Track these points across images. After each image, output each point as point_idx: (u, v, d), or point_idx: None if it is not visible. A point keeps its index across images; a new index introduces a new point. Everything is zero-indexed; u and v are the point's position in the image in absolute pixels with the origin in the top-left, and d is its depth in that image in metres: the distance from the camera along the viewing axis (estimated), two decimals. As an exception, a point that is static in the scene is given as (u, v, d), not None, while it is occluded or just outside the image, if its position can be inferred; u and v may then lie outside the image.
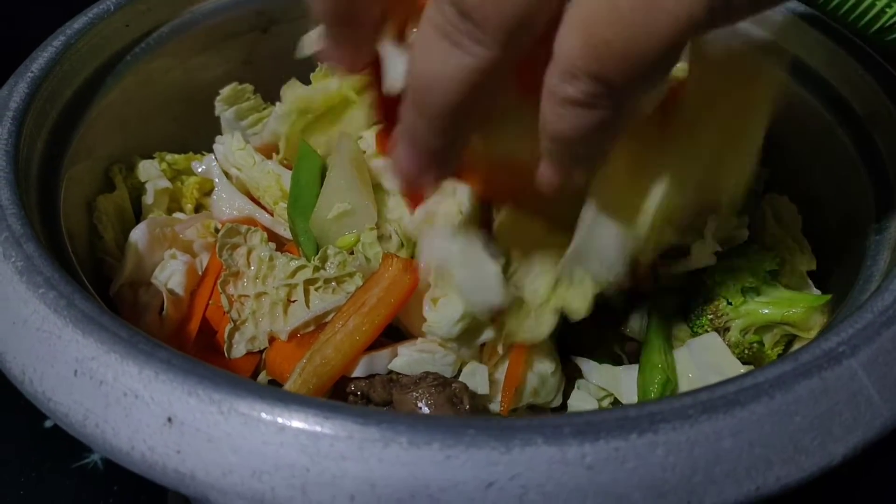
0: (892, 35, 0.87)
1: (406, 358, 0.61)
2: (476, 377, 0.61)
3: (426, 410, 0.58)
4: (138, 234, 0.68)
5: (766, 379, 0.44)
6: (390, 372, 0.61)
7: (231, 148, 0.74)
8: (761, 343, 0.66)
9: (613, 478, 0.40)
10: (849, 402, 0.44)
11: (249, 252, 0.63)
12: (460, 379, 0.62)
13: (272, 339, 0.62)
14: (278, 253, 0.64)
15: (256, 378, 0.64)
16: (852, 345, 0.46)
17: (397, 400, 0.58)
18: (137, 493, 0.86)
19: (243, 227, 0.64)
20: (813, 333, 0.65)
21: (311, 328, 0.62)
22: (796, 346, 0.67)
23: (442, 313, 0.58)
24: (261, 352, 0.63)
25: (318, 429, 0.40)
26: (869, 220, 0.63)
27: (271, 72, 0.85)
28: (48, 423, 0.91)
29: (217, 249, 0.62)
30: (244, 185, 0.75)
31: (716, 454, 0.41)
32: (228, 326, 0.61)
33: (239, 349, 0.60)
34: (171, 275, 0.67)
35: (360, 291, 0.60)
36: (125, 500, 0.85)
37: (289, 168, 0.72)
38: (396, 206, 0.66)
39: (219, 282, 0.62)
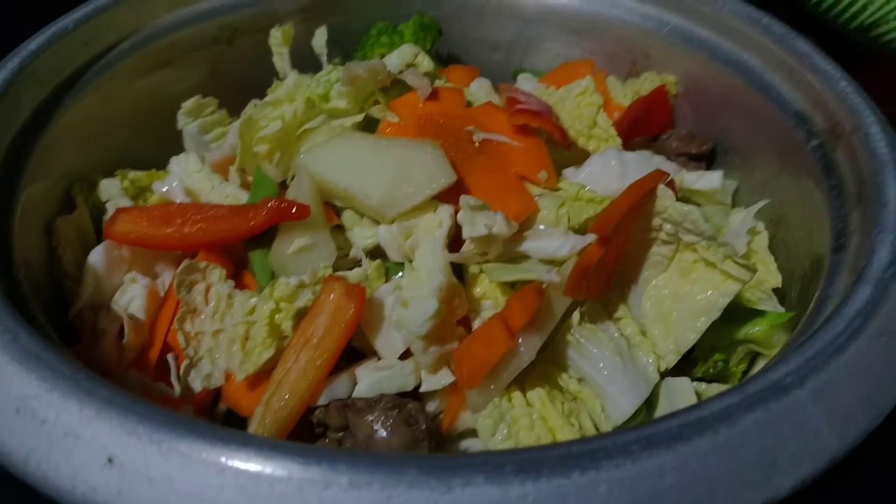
0: (873, 31, 0.87)
1: (367, 381, 0.61)
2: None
3: (383, 434, 0.58)
4: (96, 257, 0.67)
5: (710, 412, 0.44)
6: (347, 395, 0.61)
7: (188, 170, 0.73)
8: (726, 361, 0.66)
9: (555, 517, 0.40)
10: (796, 433, 0.44)
11: (208, 289, 0.63)
12: (422, 388, 0.62)
13: (229, 375, 0.61)
14: (237, 290, 0.63)
15: (215, 408, 0.64)
16: (801, 375, 0.46)
17: (353, 424, 0.58)
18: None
19: (202, 264, 0.63)
20: (775, 351, 0.65)
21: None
22: (759, 364, 0.67)
23: (413, 310, 0.58)
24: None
25: (258, 469, 0.40)
26: (828, 238, 0.63)
27: (237, 85, 0.85)
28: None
29: (175, 287, 0.61)
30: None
31: (658, 490, 0.41)
32: (184, 363, 0.60)
33: (195, 386, 0.60)
34: (131, 299, 0.66)
35: (306, 322, 0.60)
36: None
37: (247, 189, 0.71)
38: (363, 228, 0.66)
39: (176, 318, 0.61)
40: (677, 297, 0.64)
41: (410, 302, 0.59)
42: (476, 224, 0.60)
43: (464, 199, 0.61)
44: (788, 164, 0.73)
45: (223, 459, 0.40)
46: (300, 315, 0.61)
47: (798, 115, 0.73)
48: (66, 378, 0.44)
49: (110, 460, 0.41)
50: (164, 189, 0.74)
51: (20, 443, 0.43)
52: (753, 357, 0.68)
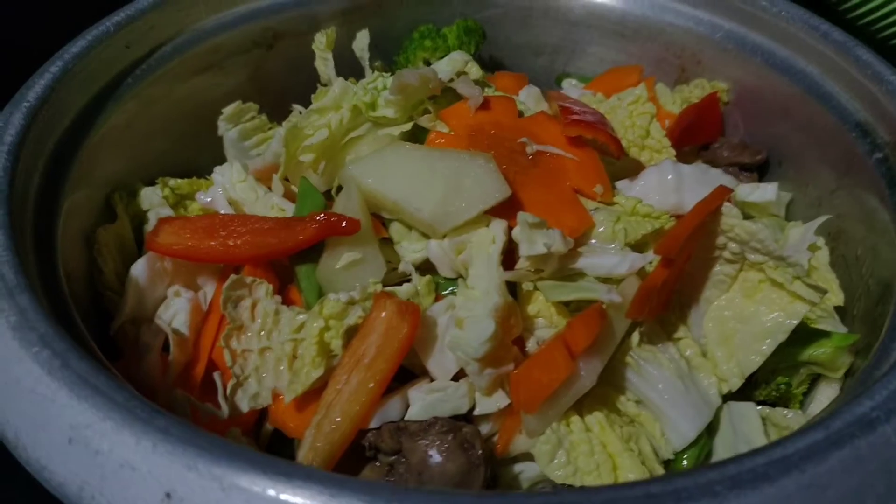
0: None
1: (420, 403, 0.59)
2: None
3: (437, 459, 0.56)
4: (139, 270, 0.65)
5: (796, 450, 0.41)
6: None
7: (231, 180, 0.71)
8: (788, 384, 0.64)
9: (635, 566, 0.38)
10: (883, 471, 0.42)
11: (254, 305, 0.60)
12: (477, 411, 0.60)
13: (276, 395, 0.60)
14: (284, 307, 0.61)
15: (261, 427, 0.62)
16: (887, 409, 0.44)
17: (407, 449, 0.56)
18: None
19: (248, 279, 0.61)
20: (840, 374, 0.63)
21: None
22: (821, 386, 0.65)
23: (470, 331, 0.56)
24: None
25: (324, 508, 0.38)
26: (897, 255, 0.61)
27: (277, 90, 0.84)
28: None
29: (221, 303, 0.59)
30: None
31: (745, 534, 0.39)
32: (231, 382, 0.58)
33: (242, 406, 0.58)
34: (175, 314, 0.64)
35: (357, 341, 0.58)
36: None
37: (291, 198, 0.70)
38: (412, 242, 0.64)
39: (222, 335, 0.59)
40: (741, 318, 0.62)
41: (466, 322, 0.57)
42: (534, 242, 0.58)
43: (521, 216, 0.59)
44: (848, 178, 0.71)
45: (287, 496, 0.39)
46: (350, 333, 0.59)
47: (859, 126, 0.70)
48: (119, 406, 0.42)
49: (168, 496, 0.40)
50: (209, 199, 0.72)
51: (73, 474, 0.41)
52: (814, 379, 0.66)
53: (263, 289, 0.60)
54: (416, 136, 0.70)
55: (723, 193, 0.61)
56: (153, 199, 0.72)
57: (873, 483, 0.42)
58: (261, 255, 0.63)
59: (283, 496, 0.39)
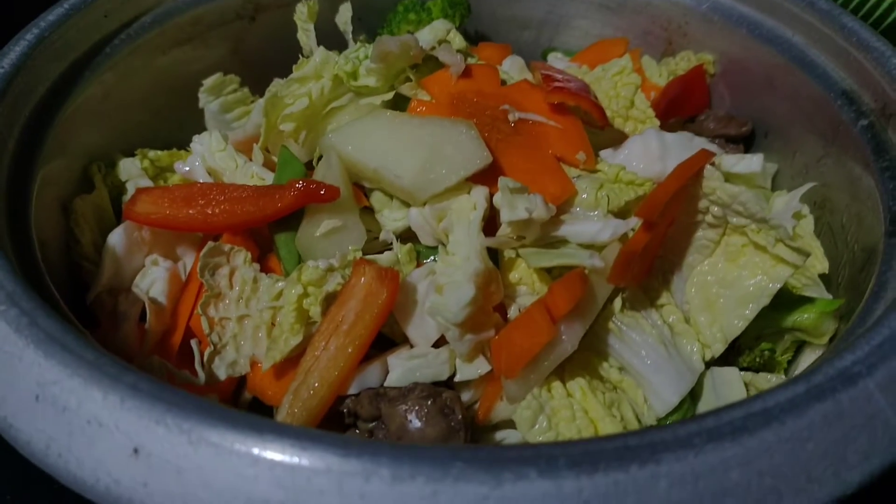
0: None
1: (400, 369, 0.58)
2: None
3: (417, 424, 0.55)
4: (116, 239, 0.65)
5: (776, 403, 0.41)
6: (379, 384, 0.58)
7: (210, 149, 0.70)
8: (773, 350, 0.63)
9: (612, 514, 0.37)
10: (865, 426, 0.41)
11: (232, 272, 0.60)
12: (457, 377, 0.59)
13: (254, 363, 0.59)
14: (263, 274, 0.60)
15: (239, 396, 0.61)
16: (868, 364, 0.43)
17: (386, 414, 0.55)
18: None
19: (226, 246, 0.60)
20: (825, 339, 0.62)
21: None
22: (806, 352, 0.64)
23: (450, 297, 0.55)
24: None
25: (296, 461, 0.37)
26: (881, 221, 0.60)
27: (259, 63, 0.83)
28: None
29: (198, 270, 0.59)
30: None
31: (722, 487, 0.38)
32: (208, 350, 0.57)
33: (219, 374, 0.57)
34: (152, 282, 0.64)
35: (335, 307, 0.57)
36: None
37: (271, 168, 0.69)
38: (393, 210, 0.63)
39: (199, 303, 0.58)
40: (724, 282, 0.61)
41: (446, 288, 0.56)
42: (516, 207, 0.58)
43: (503, 182, 0.58)
44: (834, 146, 0.70)
45: (257, 450, 0.38)
46: (329, 300, 0.58)
47: (845, 94, 0.70)
48: (88, 363, 0.41)
49: (136, 451, 0.39)
50: (186, 169, 0.71)
51: (40, 431, 0.41)
52: (799, 346, 0.65)
53: (242, 256, 0.60)
54: (398, 104, 0.69)
55: (704, 157, 0.60)
56: (132, 170, 0.71)
57: (855, 437, 0.41)
58: (239, 223, 0.62)
59: (254, 450, 0.38)
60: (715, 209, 0.60)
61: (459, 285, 0.56)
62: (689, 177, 0.59)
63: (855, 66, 0.69)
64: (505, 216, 0.58)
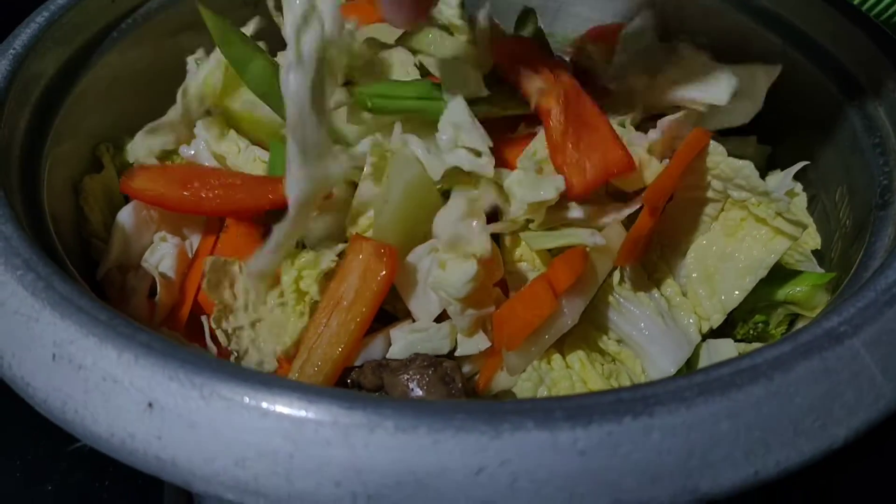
0: None
1: (402, 342, 0.60)
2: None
3: (418, 392, 0.57)
4: (125, 216, 0.66)
5: (763, 360, 0.42)
6: (381, 356, 0.60)
7: (213, 134, 0.72)
8: (766, 323, 0.65)
9: (606, 464, 0.39)
10: (851, 382, 0.43)
11: (232, 284, 0.62)
12: (458, 352, 0.60)
13: (280, 358, 0.61)
14: None
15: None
16: (854, 324, 0.45)
17: (388, 384, 0.57)
18: (133, 476, 0.85)
19: (221, 260, 0.62)
20: (816, 312, 0.64)
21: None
22: (799, 325, 0.66)
23: (452, 272, 0.57)
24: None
25: (303, 414, 0.39)
26: (872, 195, 0.61)
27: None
28: (42, 407, 0.90)
29: (205, 288, 0.61)
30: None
31: (713, 438, 0.40)
32: (232, 357, 0.59)
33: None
34: (161, 258, 0.65)
35: (335, 283, 0.58)
36: (120, 482, 0.84)
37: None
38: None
39: (212, 318, 0.60)
40: (723, 256, 0.63)
41: (449, 263, 0.58)
42: (541, 188, 0.59)
43: (526, 162, 0.59)
44: (827, 125, 0.72)
45: (266, 404, 0.39)
46: (328, 277, 0.60)
47: (838, 74, 0.71)
48: (103, 324, 0.43)
49: (150, 405, 0.40)
50: (192, 152, 0.73)
51: (56, 389, 0.42)
52: (792, 319, 0.67)
53: (236, 267, 0.61)
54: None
55: (702, 136, 0.61)
56: (139, 152, 0.73)
57: (841, 392, 0.43)
58: (230, 210, 0.65)
59: (263, 404, 0.39)
60: (716, 183, 0.62)
61: (463, 261, 0.57)
62: (690, 159, 0.60)
63: (849, 46, 0.71)
64: (527, 197, 0.59)
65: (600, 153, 0.60)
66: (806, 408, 0.42)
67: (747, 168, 0.60)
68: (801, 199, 0.72)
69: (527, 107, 0.63)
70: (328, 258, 0.60)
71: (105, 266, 0.65)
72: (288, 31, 0.55)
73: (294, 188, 0.55)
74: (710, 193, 0.63)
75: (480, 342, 0.60)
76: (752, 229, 0.62)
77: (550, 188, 0.59)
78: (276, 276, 0.61)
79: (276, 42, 0.79)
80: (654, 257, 0.64)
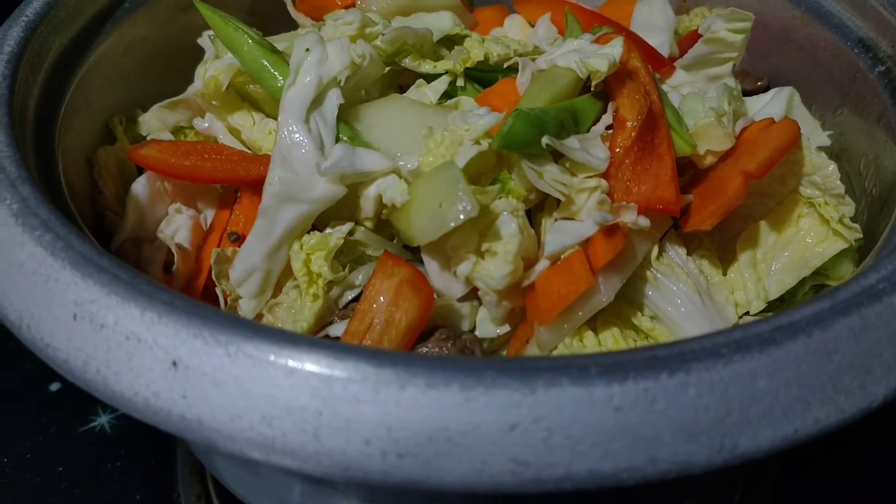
0: None
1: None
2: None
3: (439, 363, 0.55)
4: (139, 188, 0.65)
5: (802, 317, 0.41)
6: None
7: (227, 107, 0.70)
8: (793, 294, 0.64)
9: (642, 419, 0.38)
10: (890, 340, 0.42)
11: None
12: (477, 333, 0.59)
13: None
14: None
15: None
16: (893, 281, 0.44)
17: (409, 355, 0.56)
18: (145, 457, 0.84)
19: (229, 250, 0.61)
20: (843, 282, 0.63)
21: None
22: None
23: (493, 263, 0.55)
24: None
25: (331, 371, 0.38)
26: (901, 160, 0.61)
27: (277, 25, 0.83)
28: (54, 387, 0.90)
29: (215, 279, 0.60)
30: (246, 143, 0.72)
31: (751, 395, 0.39)
32: None
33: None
34: (177, 229, 0.64)
35: (363, 306, 0.55)
36: (132, 462, 0.84)
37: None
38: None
39: (226, 309, 0.60)
40: (774, 246, 0.62)
41: (489, 254, 0.56)
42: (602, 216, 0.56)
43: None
44: (851, 95, 0.71)
45: (293, 362, 0.39)
46: (337, 255, 0.59)
47: (861, 42, 0.70)
48: (124, 282, 0.42)
49: (174, 364, 0.40)
50: (206, 125, 0.72)
51: (78, 349, 0.41)
52: (819, 289, 0.66)
53: None
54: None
55: (791, 127, 0.61)
56: (153, 124, 0.72)
57: (881, 351, 0.42)
58: (222, 178, 0.64)
59: (290, 361, 0.39)
60: (790, 176, 0.61)
61: (504, 255, 0.55)
62: (796, 139, 0.60)
63: (871, 14, 0.70)
64: (596, 217, 0.56)
65: (652, 185, 0.58)
66: (845, 365, 0.41)
67: (829, 168, 0.60)
68: (834, 168, 0.71)
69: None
70: (336, 237, 0.59)
71: (120, 237, 0.64)
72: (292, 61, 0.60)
73: (267, 188, 0.56)
74: (777, 184, 0.62)
75: (500, 327, 0.59)
76: (811, 228, 0.62)
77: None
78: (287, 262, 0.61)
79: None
80: (700, 234, 0.63)
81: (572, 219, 0.58)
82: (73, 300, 0.42)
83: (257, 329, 0.40)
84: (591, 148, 0.57)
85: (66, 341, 0.42)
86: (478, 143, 0.56)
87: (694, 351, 0.39)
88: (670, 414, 0.38)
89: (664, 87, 0.70)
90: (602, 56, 0.59)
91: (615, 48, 0.60)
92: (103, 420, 0.87)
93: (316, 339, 0.40)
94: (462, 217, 0.51)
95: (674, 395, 0.38)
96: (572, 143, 0.56)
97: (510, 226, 0.55)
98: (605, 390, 0.38)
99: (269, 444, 0.38)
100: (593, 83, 0.60)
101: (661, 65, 0.72)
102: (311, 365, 0.38)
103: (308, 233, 0.59)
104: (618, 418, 0.38)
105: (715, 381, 0.39)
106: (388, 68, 0.68)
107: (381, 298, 0.55)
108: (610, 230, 0.56)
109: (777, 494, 0.79)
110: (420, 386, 0.38)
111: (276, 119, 0.69)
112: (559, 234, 0.56)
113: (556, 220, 0.58)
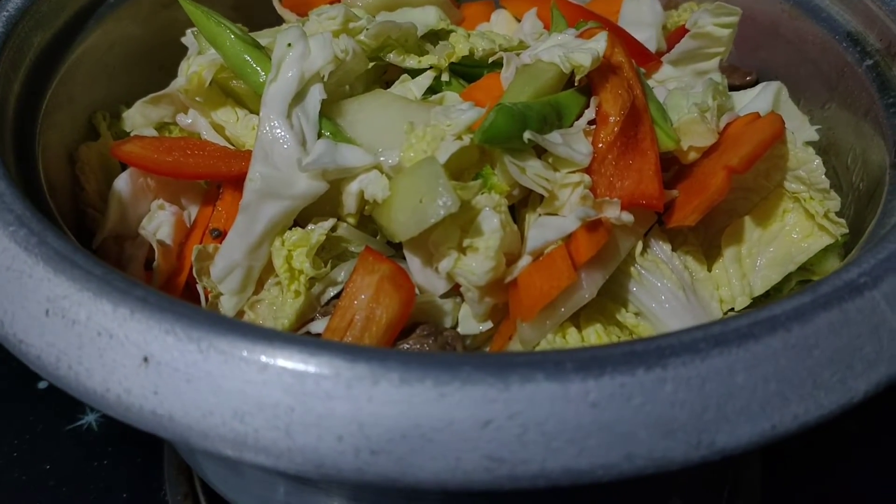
0: None
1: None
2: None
3: (421, 361, 0.55)
4: (122, 184, 0.65)
5: (782, 311, 0.41)
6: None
7: (210, 103, 0.70)
8: (779, 290, 0.63)
9: (618, 416, 0.37)
10: (871, 335, 0.42)
11: None
12: (460, 330, 0.59)
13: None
14: None
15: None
16: (874, 276, 0.43)
17: (390, 351, 0.55)
18: (132, 455, 0.84)
19: (211, 247, 0.61)
20: (828, 276, 0.62)
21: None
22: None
23: (475, 259, 0.55)
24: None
25: (303, 367, 0.38)
26: (886, 154, 0.60)
27: (262, 19, 0.82)
28: (41, 385, 0.90)
29: (196, 276, 0.60)
30: (230, 139, 0.71)
31: (728, 390, 0.38)
32: None
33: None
34: (159, 225, 0.64)
35: (344, 303, 0.55)
36: (119, 461, 0.84)
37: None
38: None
39: (207, 306, 0.59)
40: (759, 242, 0.62)
41: (470, 250, 0.56)
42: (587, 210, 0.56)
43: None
44: (839, 89, 0.70)
45: (265, 358, 0.38)
46: (319, 251, 0.59)
47: (850, 36, 0.70)
48: (97, 278, 0.42)
49: (146, 360, 0.39)
50: (189, 121, 0.71)
51: (50, 345, 0.41)
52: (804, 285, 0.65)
53: None
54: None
55: (775, 121, 0.61)
56: (136, 120, 0.71)
57: (861, 346, 0.41)
58: (206, 174, 0.64)
59: (262, 357, 0.38)
60: (774, 171, 0.61)
61: (486, 251, 0.55)
62: (780, 134, 0.59)
63: (860, 8, 0.69)
64: (579, 213, 0.56)
65: (635, 181, 0.57)
66: (825, 360, 0.40)
67: (817, 161, 0.59)
68: (819, 163, 0.71)
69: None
70: (318, 233, 0.58)
71: (102, 234, 0.64)
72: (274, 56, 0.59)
73: (248, 184, 0.56)
74: (762, 178, 0.62)
75: (483, 323, 0.59)
76: (796, 223, 0.61)
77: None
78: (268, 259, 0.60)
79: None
80: (685, 229, 0.62)
81: (555, 214, 0.57)
82: (46, 296, 0.42)
83: (230, 325, 0.39)
84: (574, 143, 0.56)
85: (38, 337, 0.41)
86: (460, 138, 0.56)
87: (672, 346, 0.39)
88: (647, 410, 0.38)
89: (650, 83, 0.70)
90: (585, 51, 0.59)
91: (599, 43, 0.59)
92: (90, 419, 0.86)
93: (289, 334, 0.40)
94: (442, 212, 0.51)
95: (650, 391, 0.38)
96: (555, 137, 0.56)
97: (492, 221, 0.54)
98: (581, 386, 0.37)
99: (242, 440, 0.38)
100: (577, 78, 0.60)
101: (647, 59, 0.72)
102: (283, 360, 0.38)
103: (290, 229, 0.59)
104: (594, 414, 0.37)
105: (692, 376, 0.38)
106: (372, 63, 0.68)
107: (362, 296, 0.55)
108: (593, 225, 0.55)
109: (765, 493, 0.79)
110: (394, 381, 0.37)
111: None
112: (542, 230, 0.56)
113: (539, 215, 0.58)
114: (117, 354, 0.39)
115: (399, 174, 0.56)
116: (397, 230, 0.54)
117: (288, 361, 0.38)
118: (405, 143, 0.57)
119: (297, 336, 0.40)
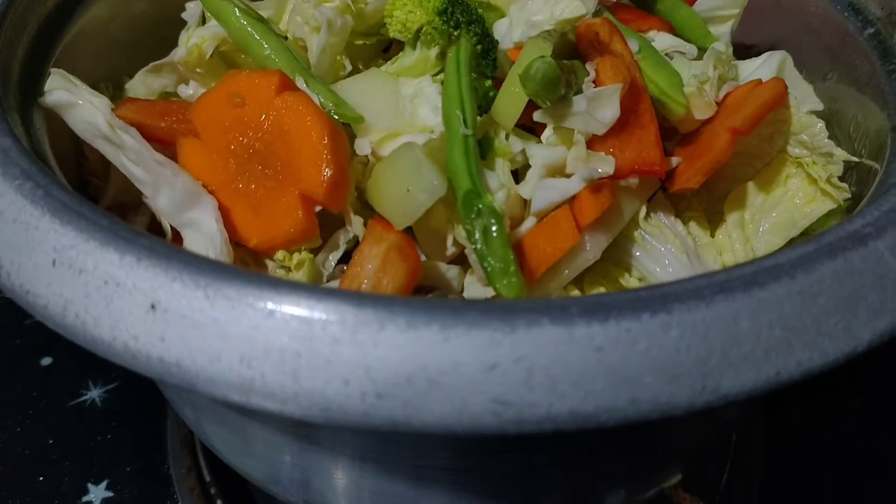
0: None
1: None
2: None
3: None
4: (125, 151, 0.65)
5: (787, 259, 0.41)
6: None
7: (212, 74, 0.70)
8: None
9: (624, 359, 0.38)
10: (875, 285, 0.42)
11: None
12: (465, 294, 0.59)
13: None
14: None
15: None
16: (879, 226, 0.44)
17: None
18: (135, 430, 0.84)
19: None
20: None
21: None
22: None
23: None
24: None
25: (309, 313, 0.38)
26: (887, 118, 0.60)
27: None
28: (45, 361, 0.90)
29: None
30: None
31: (733, 336, 0.39)
32: None
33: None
34: (162, 193, 0.64)
35: (352, 271, 0.54)
36: (123, 436, 0.84)
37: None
38: None
39: None
40: (762, 207, 0.61)
41: None
42: (593, 167, 0.56)
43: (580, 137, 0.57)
44: (841, 59, 0.70)
45: (272, 304, 0.38)
46: None
47: (851, 5, 0.70)
48: (104, 228, 0.42)
49: (153, 307, 0.39)
50: (190, 92, 0.71)
51: (57, 295, 0.41)
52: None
53: None
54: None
55: (778, 85, 0.61)
56: (138, 91, 0.71)
57: (865, 294, 0.41)
58: None
59: (269, 304, 0.38)
60: (777, 135, 0.61)
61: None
62: (783, 97, 0.60)
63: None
64: (583, 173, 0.56)
65: (636, 150, 0.57)
66: (830, 308, 0.40)
67: (819, 125, 0.60)
68: (822, 126, 0.71)
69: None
70: None
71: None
72: None
73: None
74: (765, 143, 0.62)
75: (488, 291, 0.59)
76: (799, 188, 0.61)
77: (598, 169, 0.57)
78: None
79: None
80: (688, 195, 0.62)
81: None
82: (53, 246, 0.42)
83: (236, 272, 0.39)
84: (600, 105, 0.56)
85: (45, 287, 0.41)
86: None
87: (676, 292, 0.39)
88: (652, 354, 0.38)
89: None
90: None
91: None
92: (94, 394, 0.87)
93: (295, 282, 0.40)
94: (431, 198, 0.51)
95: (655, 336, 0.38)
96: (580, 101, 0.56)
97: (493, 183, 0.54)
98: (586, 330, 0.38)
99: (249, 385, 0.38)
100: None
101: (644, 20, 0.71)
102: (289, 306, 0.38)
103: None
104: (599, 358, 0.37)
105: (697, 321, 0.38)
106: (375, 39, 0.68)
107: (369, 265, 0.55)
108: (596, 187, 0.55)
109: (768, 470, 0.79)
110: (400, 325, 0.37)
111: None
112: (546, 192, 0.56)
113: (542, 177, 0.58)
114: (124, 302, 0.40)
115: (380, 164, 0.56)
116: (393, 220, 0.55)
117: (294, 307, 0.38)
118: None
119: (304, 283, 0.40)
